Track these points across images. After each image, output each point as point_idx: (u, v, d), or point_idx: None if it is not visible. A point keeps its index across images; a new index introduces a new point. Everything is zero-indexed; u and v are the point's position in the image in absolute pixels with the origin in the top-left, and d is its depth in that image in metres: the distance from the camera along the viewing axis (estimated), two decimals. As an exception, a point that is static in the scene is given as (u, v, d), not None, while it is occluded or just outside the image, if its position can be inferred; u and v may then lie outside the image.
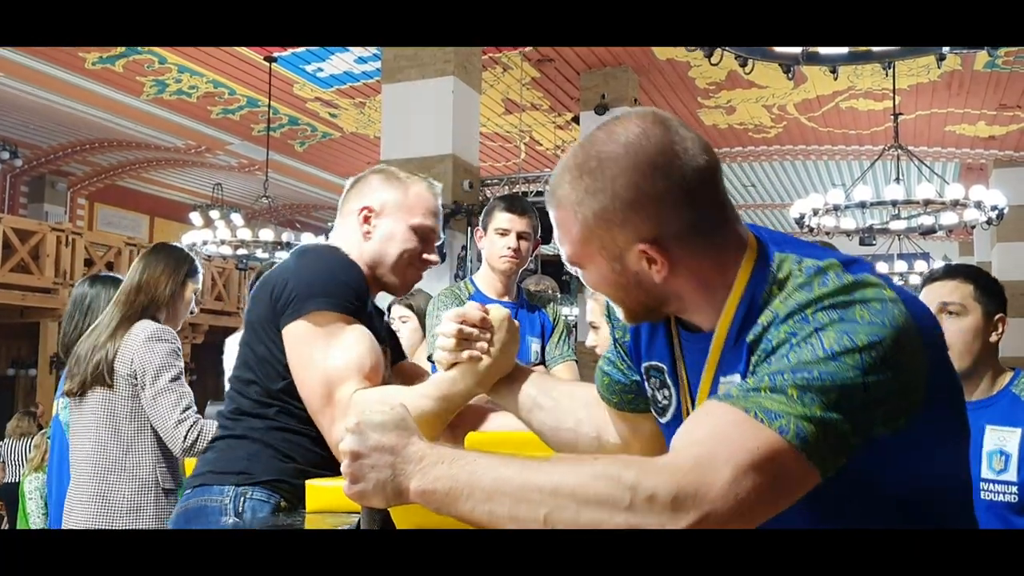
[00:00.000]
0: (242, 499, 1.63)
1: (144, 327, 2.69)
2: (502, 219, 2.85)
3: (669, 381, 1.22)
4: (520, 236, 2.85)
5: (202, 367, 11.20)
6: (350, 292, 1.65)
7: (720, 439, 0.93)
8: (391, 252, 1.76)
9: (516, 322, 1.52)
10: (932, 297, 2.10)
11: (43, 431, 6.94)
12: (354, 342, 1.61)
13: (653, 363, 1.25)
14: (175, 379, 2.64)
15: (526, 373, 1.52)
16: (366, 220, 1.76)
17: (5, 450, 8.10)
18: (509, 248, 2.83)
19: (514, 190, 8.82)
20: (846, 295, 1.00)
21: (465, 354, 1.48)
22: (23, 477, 6.52)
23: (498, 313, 1.51)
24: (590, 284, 1.19)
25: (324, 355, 1.59)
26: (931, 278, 2.19)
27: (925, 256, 12.31)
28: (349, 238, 1.78)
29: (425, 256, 1.79)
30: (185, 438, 2.57)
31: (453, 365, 1.52)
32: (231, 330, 3.90)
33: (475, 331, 1.48)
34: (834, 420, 0.93)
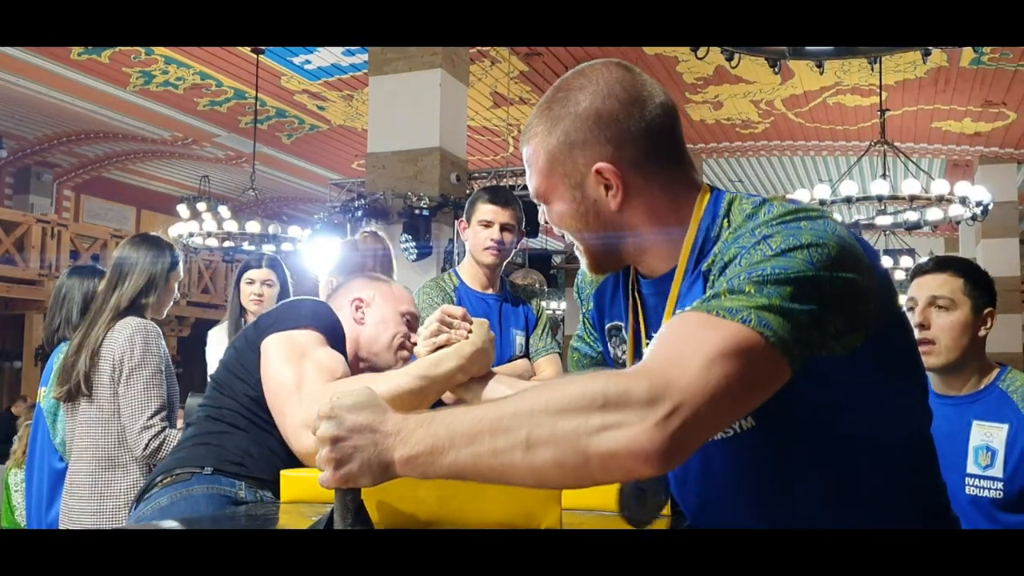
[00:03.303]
0: (259, 496, 1.67)
1: (127, 324, 2.68)
2: (485, 211, 2.84)
3: (627, 336, 1.27)
4: (504, 228, 2.84)
5: (189, 360, 11.16)
6: (331, 324, 1.78)
7: (685, 339, 0.95)
8: (385, 335, 1.90)
9: (492, 333, 1.61)
10: (922, 290, 2.08)
11: (26, 423, 6.90)
12: (328, 354, 1.71)
13: (614, 323, 1.32)
14: (150, 379, 2.63)
15: (494, 375, 1.61)
16: (357, 308, 1.91)
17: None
18: (492, 240, 2.82)
19: (502, 183, 8.81)
20: (790, 215, 1.06)
21: (443, 337, 1.57)
22: (7, 470, 6.48)
23: (479, 319, 1.62)
24: (555, 221, 1.23)
25: (298, 359, 1.67)
26: (921, 270, 2.15)
27: (910, 252, 12.35)
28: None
29: (413, 340, 1.92)
30: (147, 446, 2.57)
31: (433, 353, 1.59)
32: (219, 323, 3.89)
33: (456, 320, 1.58)
34: (794, 309, 0.96)
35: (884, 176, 8.61)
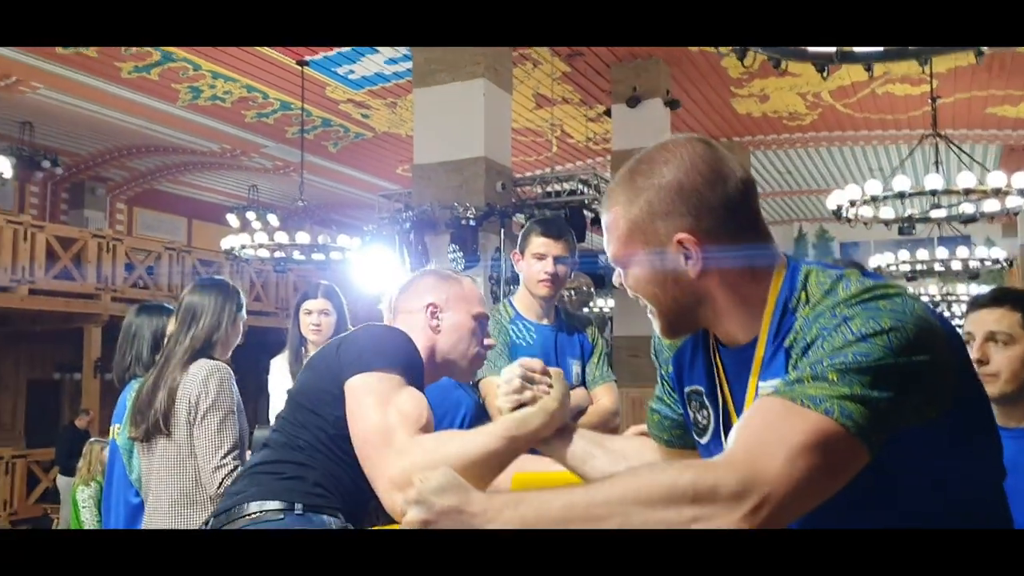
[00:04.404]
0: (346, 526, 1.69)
1: (201, 367, 2.75)
2: (538, 243, 2.84)
3: (707, 402, 1.30)
4: (557, 260, 2.83)
5: (242, 368, 11.28)
6: (412, 361, 1.77)
7: (770, 428, 1.00)
8: (461, 345, 1.89)
9: (567, 383, 1.57)
10: (978, 325, 2.05)
11: (91, 440, 7.06)
12: (411, 398, 1.69)
13: (694, 387, 1.33)
14: (224, 419, 2.70)
15: (573, 428, 1.56)
16: (433, 315, 1.90)
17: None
18: (546, 273, 2.82)
19: (547, 189, 8.80)
20: (868, 294, 1.09)
21: (528, 394, 1.52)
22: (74, 487, 6.64)
23: (554, 369, 1.59)
24: (631, 285, 1.27)
25: (384, 406, 1.66)
26: (977, 304, 2.11)
27: (966, 240, 12.08)
28: (414, 334, 1.86)
29: (486, 342, 1.95)
30: (220, 484, 2.63)
31: (516, 410, 1.54)
32: (270, 330, 3.94)
33: (536, 375, 1.54)
34: (874, 397, 1.00)
35: (936, 164, 8.44)
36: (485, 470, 1.49)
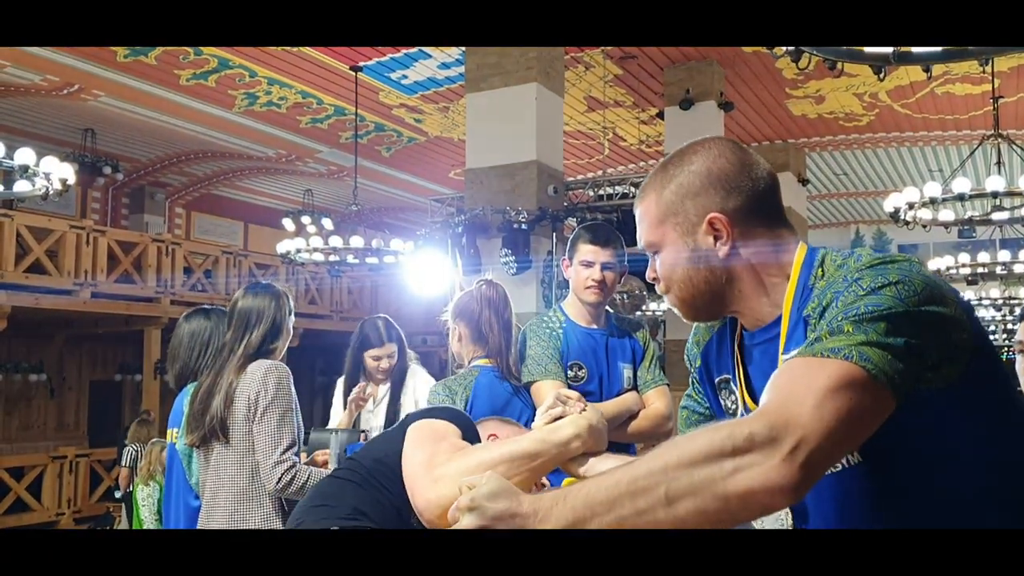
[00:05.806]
0: None
1: (259, 365, 2.82)
2: (586, 251, 2.83)
3: (733, 386, 1.37)
4: (605, 267, 2.83)
5: (297, 369, 11.40)
6: (472, 428, 1.83)
7: (797, 381, 1.05)
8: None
9: (605, 421, 1.61)
10: None
11: (152, 441, 7.22)
12: (461, 444, 1.73)
13: (722, 376, 1.41)
14: (282, 416, 2.75)
15: (601, 454, 1.61)
16: None
17: (129, 458, 8.11)
18: (593, 280, 2.82)
19: (599, 192, 8.78)
20: (877, 259, 1.16)
21: (558, 410, 1.59)
22: (135, 486, 6.81)
23: (592, 405, 1.64)
24: (662, 268, 1.33)
25: (437, 442, 1.71)
26: None
27: (1030, 243, 11.76)
28: None
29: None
30: (279, 480, 2.68)
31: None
32: (324, 333, 3.96)
33: (571, 400, 1.61)
34: (889, 343, 1.05)
35: (999, 165, 8.24)
36: (518, 474, 1.51)
